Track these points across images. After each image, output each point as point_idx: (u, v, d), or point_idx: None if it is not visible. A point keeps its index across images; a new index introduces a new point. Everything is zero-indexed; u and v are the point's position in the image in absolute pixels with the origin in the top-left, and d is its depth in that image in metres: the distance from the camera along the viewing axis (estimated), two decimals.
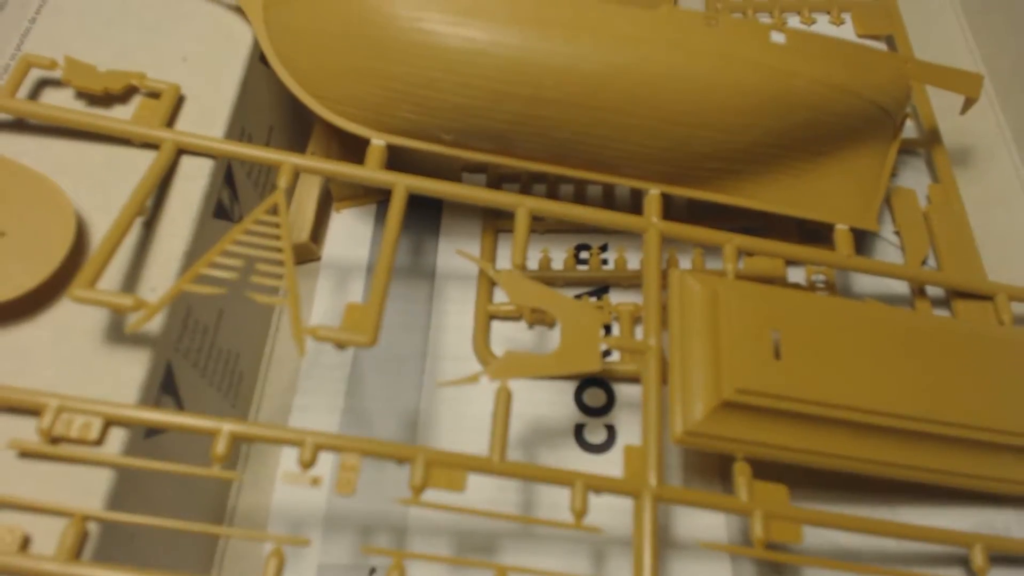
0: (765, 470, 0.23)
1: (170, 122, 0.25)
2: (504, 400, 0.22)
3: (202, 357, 0.24)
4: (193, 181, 0.24)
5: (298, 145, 0.32)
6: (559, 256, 0.31)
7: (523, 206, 0.25)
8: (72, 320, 0.21)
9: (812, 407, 0.23)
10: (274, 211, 0.23)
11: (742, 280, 0.25)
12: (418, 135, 0.26)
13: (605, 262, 0.31)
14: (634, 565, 0.21)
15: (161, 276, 0.22)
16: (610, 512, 0.22)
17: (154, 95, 0.26)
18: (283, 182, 0.24)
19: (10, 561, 0.18)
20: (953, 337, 0.25)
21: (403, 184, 0.25)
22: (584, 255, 0.31)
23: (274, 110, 0.30)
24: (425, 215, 0.32)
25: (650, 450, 0.22)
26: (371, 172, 0.25)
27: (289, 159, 0.25)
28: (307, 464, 0.20)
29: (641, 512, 0.21)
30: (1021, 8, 0.35)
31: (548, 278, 0.30)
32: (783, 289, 0.25)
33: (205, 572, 0.25)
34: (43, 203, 0.22)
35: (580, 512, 0.21)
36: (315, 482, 0.20)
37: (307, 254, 0.31)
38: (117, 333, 0.21)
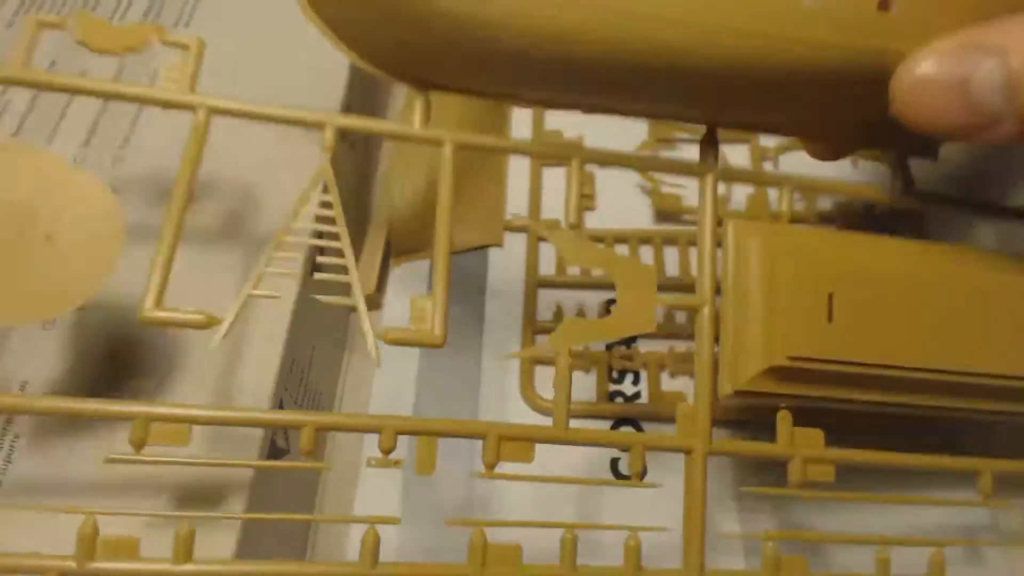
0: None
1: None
2: (565, 370, 0.23)
3: (299, 395, 0.26)
4: None
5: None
6: None
7: (576, 157, 0.24)
8: None
9: (865, 369, 0.23)
10: (324, 189, 0.23)
11: (802, 229, 0.24)
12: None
13: None
14: (684, 518, 0.23)
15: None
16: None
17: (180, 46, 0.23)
18: (328, 146, 0.23)
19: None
20: None
21: (450, 138, 0.24)
22: None
23: None
24: None
25: (701, 408, 0.24)
26: (419, 131, 0.24)
27: (333, 119, 0.23)
28: (387, 449, 0.22)
29: (694, 467, 0.23)
30: None
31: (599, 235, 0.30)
32: (846, 236, 0.25)
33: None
34: (89, 203, 0.22)
35: (638, 472, 0.23)
36: (397, 464, 0.22)
37: (372, 304, 0.32)
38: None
